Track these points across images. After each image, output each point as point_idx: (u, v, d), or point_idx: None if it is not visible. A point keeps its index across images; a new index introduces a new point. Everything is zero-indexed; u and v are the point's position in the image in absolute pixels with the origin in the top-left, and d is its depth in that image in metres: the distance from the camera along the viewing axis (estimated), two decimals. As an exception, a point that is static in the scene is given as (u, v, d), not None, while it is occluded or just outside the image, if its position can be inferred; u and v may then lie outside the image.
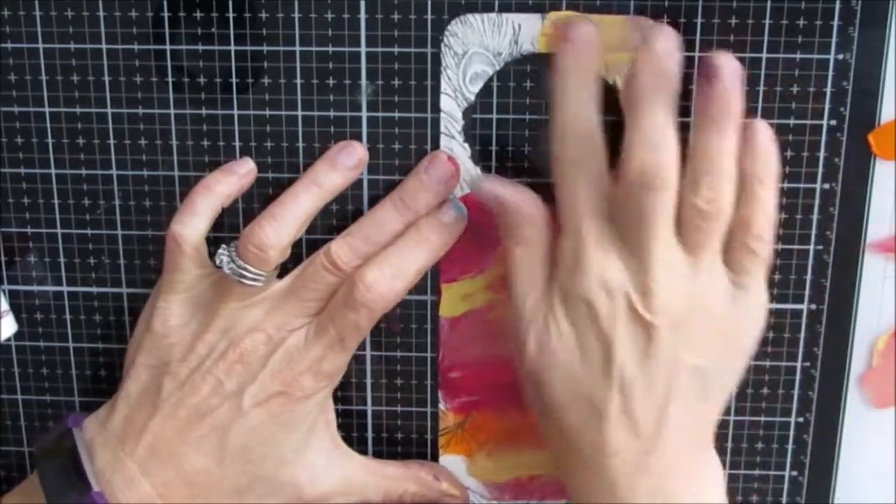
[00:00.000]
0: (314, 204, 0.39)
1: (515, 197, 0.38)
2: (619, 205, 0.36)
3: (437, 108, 0.40)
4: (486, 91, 0.39)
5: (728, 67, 0.35)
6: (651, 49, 0.35)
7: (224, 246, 0.38)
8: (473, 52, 0.39)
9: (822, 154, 0.40)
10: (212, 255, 0.39)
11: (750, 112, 0.39)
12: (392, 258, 0.38)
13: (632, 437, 0.35)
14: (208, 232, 0.40)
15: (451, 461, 0.44)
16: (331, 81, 0.40)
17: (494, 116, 0.40)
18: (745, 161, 0.36)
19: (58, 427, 0.40)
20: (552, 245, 0.38)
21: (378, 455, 0.44)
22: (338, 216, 0.41)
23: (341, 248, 0.38)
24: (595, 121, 0.37)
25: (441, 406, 0.43)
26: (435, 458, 0.44)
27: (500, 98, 0.39)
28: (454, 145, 0.40)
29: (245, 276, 0.38)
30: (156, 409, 0.38)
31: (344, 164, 0.40)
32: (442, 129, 0.40)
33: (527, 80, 0.39)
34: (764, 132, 0.36)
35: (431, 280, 0.42)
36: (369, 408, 0.44)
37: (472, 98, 0.39)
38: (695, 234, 0.35)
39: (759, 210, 0.36)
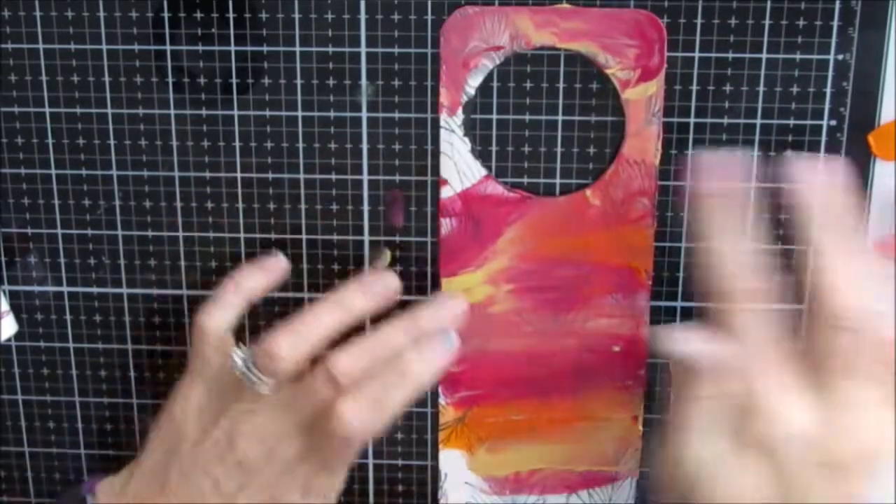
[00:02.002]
0: (336, 324, 0.39)
1: (715, 351, 0.35)
2: (810, 346, 0.34)
3: (437, 108, 0.40)
4: (486, 85, 0.39)
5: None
6: (823, 189, 0.34)
7: (242, 347, 0.39)
8: (473, 45, 0.39)
9: (822, 154, 0.40)
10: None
11: (750, 113, 0.39)
12: (374, 391, 0.37)
13: None
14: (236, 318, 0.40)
15: (451, 456, 0.44)
16: (331, 81, 0.40)
17: (494, 116, 0.40)
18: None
19: (72, 493, 0.41)
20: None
21: (378, 453, 0.44)
22: (338, 216, 0.41)
23: (341, 365, 0.38)
24: (755, 265, 0.35)
25: (441, 401, 0.43)
26: (435, 453, 0.44)
27: (500, 95, 0.39)
28: (454, 139, 0.40)
29: (254, 382, 0.38)
30: (163, 490, 0.39)
31: (373, 292, 0.39)
32: (442, 123, 0.40)
33: (527, 75, 0.39)
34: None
35: (431, 276, 0.42)
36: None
37: (473, 92, 0.39)
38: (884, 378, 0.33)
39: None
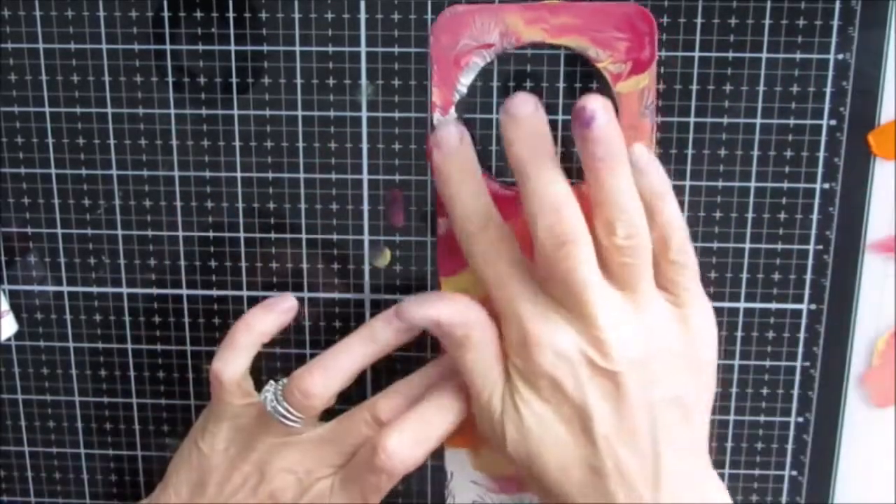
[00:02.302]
0: (368, 359, 0.39)
1: (453, 311, 0.37)
2: (544, 274, 0.36)
3: (430, 108, 0.40)
4: (479, 83, 0.39)
5: (599, 107, 0.34)
6: (513, 117, 0.35)
7: (272, 383, 0.39)
8: (463, 43, 0.39)
9: (822, 154, 0.40)
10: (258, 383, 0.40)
11: (750, 113, 0.39)
12: (414, 424, 0.38)
13: (634, 485, 0.35)
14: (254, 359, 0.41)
15: (457, 455, 0.44)
16: (331, 81, 0.40)
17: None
18: (639, 185, 0.36)
19: None
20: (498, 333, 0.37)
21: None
22: (338, 216, 0.41)
23: (387, 406, 0.39)
24: (490, 207, 0.37)
25: None
26: (440, 452, 0.44)
27: (493, 94, 0.39)
28: None
29: (287, 418, 0.38)
30: None
31: (400, 326, 0.40)
32: (435, 122, 0.40)
33: (519, 73, 0.39)
34: (640, 152, 0.36)
35: (431, 275, 0.42)
36: (369, 408, 0.44)
37: (465, 90, 0.39)
38: (625, 272, 0.35)
39: (670, 224, 0.36)
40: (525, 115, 0.35)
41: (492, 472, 0.44)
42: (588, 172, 0.35)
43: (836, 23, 0.38)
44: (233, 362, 0.40)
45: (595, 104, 0.34)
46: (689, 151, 0.40)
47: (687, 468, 0.36)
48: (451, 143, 0.37)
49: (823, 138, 0.39)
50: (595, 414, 0.35)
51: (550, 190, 0.35)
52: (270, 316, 0.41)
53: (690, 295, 0.36)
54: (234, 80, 0.40)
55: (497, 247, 0.36)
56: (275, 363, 0.43)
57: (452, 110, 0.40)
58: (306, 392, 0.38)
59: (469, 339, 0.36)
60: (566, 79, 0.39)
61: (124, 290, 0.43)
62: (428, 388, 0.39)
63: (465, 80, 0.39)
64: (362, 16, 0.39)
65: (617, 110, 0.39)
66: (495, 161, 0.40)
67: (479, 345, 0.36)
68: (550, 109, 0.39)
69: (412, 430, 0.37)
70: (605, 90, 0.39)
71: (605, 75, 0.39)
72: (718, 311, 0.40)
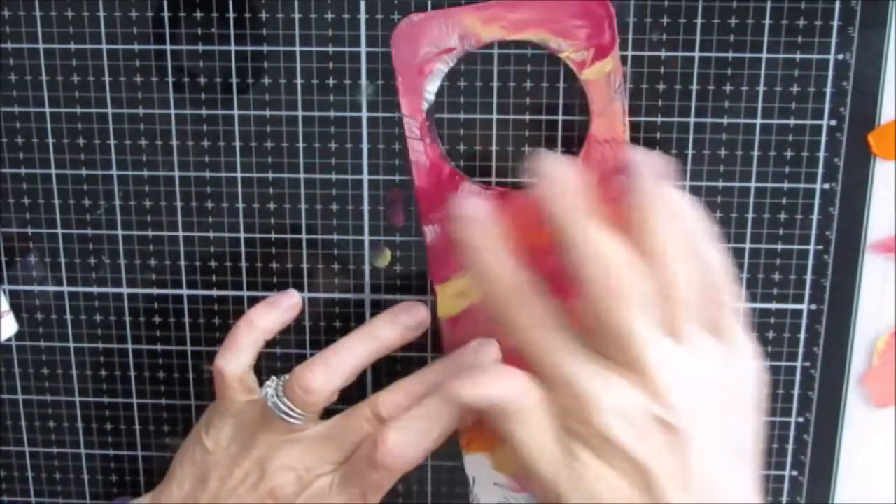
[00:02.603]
0: (368, 357, 0.39)
1: (506, 387, 0.35)
2: (590, 329, 0.34)
3: (400, 121, 0.40)
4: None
5: (639, 155, 0.34)
6: (546, 177, 0.34)
7: (273, 379, 0.39)
8: (425, 51, 0.39)
9: (822, 154, 0.40)
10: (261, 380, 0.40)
11: (750, 113, 0.39)
12: (416, 421, 0.37)
13: None
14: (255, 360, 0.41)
15: (476, 460, 0.44)
16: (331, 81, 0.40)
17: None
18: (676, 228, 0.34)
19: None
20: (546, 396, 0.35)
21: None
22: (338, 216, 0.41)
23: (388, 402, 0.38)
24: (519, 275, 0.35)
25: None
26: (453, 456, 0.44)
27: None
28: (422, 146, 0.40)
29: (288, 415, 0.38)
30: None
31: (404, 323, 0.40)
32: (406, 132, 0.40)
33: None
34: (674, 197, 0.35)
35: (427, 282, 0.42)
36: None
37: (432, 98, 0.39)
38: (675, 319, 0.34)
39: (712, 267, 0.35)
40: (554, 175, 0.34)
41: (513, 472, 0.44)
42: (634, 220, 0.34)
43: (836, 23, 0.38)
44: (235, 359, 0.40)
45: (640, 159, 0.34)
46: (689, 151, 0.40)
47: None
48: (478, 215, 0.36)
49: (823, 138, 0.39)
50: (658, 469, 0.33)
51: (596, 240, 0.33)
52: (274, 313, 0.41)
53: (735, 337, 0.35)
54: (234, 80, 0.40)
55: (538, 315, 0.35)
56: (275, 363, 0.43)
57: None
58: (307, 388, 0.38)
59: (522, 413, 0.34)
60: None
61: (124, 290, 0.43)
62: (430, 387, 0.39)
63: (431, 88, 0.39)
64: (362, 16, 0.39)
65: (588, 105, 0.39)
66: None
67: (531, 417, 0.34)
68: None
69: (413, 426, 0.37)
70: (571, 80, 0.39)
71: (570, 65, 0.39)
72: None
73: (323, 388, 0.38)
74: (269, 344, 0.41)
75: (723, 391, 0.35)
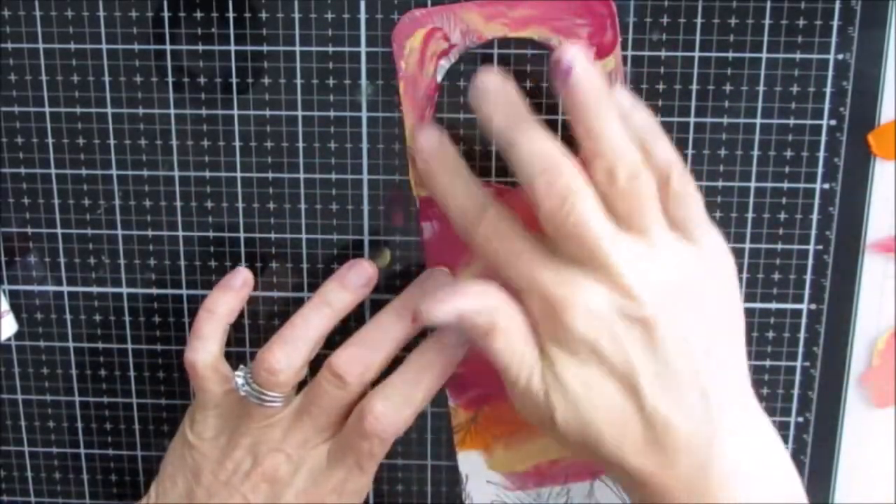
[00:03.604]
0: (325, 324, 0.40)
1: (473, 301, 0.35)
2: (553, 235, 0.35)
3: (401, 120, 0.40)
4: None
5: (575, 55, 0.34)
6: (485, 91, 0.35)
7: (242, 367, 0.39)
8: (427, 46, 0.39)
9: (822, 154, 0.40)
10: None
11: (750, 113, 0.39)
12: (399, 386, 0.38)
13: (689, 427, 0.34)
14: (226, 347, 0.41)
15: (470, 457, 0.44)
16: (331, 81, 0.40)
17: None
18: (629, 127, 0.35)
19: None
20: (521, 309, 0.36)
21: (391, 455, 0.44)
22: (338, 216, 0.41)
23: (342, 360, 0.38)
24: (484, 194, 0.36)
25: (450, 403, 0.43)
26: (452, 456, 0.44)
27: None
28: None
29: (262, 399, 0.38)
30: None
31: (353, 284, 0.40)
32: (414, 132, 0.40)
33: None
34: (623, 96, 0.36)
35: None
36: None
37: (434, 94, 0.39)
38: (634, 215, 0.34)
39: (665, 160, 0.35)
40: (496, 87, 0.35)
41: (506, 470, 0.44)
42: (577, 125, 0.34)
43: (836, 23, 0.38)
44: (203, 349, 0.40)
45: (571, 53, 0.34)
46: (689, 151, 0.40)
47: (734, 398, 0.35)
48: (431, 144, 0.37)
49: (823, 138, 0.39)
50: (637, 363, 0.33)
51: (539, 148, 0.34)
52: (229, 294, 0.41)
53: (700, 229, 0.35)
54: (234, 80, 0.40)
55: (499, 226, 0.36)
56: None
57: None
58: (270, 369, 0.38)
59: (495, 326, 0.35)
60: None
61: (124, 290, 0.43)
62: (384, 330, 0.39)
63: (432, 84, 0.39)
64: (362, 16, 0.39)
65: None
66: (495, 162, 0.40)
67: (506, 329, 0.35)
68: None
69: (397, 392, 0.38)
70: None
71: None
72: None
73: (287, 366, 0.38)
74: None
75: (691, 284, 0.35)
